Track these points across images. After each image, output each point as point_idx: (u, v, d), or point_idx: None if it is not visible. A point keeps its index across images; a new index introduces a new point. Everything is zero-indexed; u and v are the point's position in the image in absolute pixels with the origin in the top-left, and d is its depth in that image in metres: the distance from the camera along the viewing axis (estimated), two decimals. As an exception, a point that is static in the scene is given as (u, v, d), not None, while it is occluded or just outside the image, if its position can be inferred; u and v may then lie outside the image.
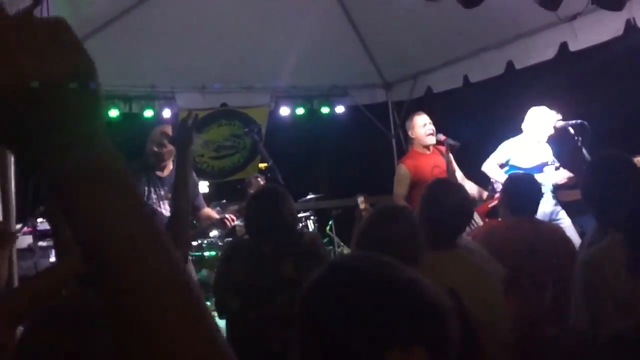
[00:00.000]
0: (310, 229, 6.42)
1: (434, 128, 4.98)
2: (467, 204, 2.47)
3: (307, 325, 1.08)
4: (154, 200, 4.13)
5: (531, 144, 4.97)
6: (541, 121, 4.89)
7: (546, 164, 4.89)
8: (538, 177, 4.23)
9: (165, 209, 4.13)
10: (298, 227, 2.91)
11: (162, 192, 4.14)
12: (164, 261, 0.55)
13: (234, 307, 2.52)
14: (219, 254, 6.77)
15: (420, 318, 1.03)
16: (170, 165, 4.24)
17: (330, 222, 6.66)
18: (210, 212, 4.55)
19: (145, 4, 5.09)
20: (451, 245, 2.37)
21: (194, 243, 6.24)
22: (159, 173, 4.22)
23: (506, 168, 4.99)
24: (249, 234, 2.85)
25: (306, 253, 2.58)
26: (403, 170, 4.84)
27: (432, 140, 4.94)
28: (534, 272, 2.85)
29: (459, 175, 5.09)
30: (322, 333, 1.04)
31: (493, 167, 5.02)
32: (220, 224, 4.28)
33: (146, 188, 4.11)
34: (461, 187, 2.52)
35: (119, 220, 0.55)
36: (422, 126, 4.98)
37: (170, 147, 4.01)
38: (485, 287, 2.16)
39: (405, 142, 6.89)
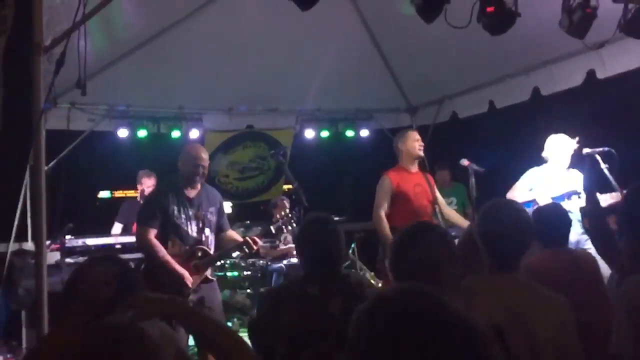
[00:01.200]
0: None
1: (423, 145, 5.05)
2: (527, 225, 2.33)
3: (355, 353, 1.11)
4: (183, 220, 4.17)
5: (556, 172, 4.94)
6: (561, 148, 4.89)
7: (573, 192, 4.83)
8: (565, 205, 4.19)
9: (192, 229, 4.19)
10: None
11: (191, 212, 4.19)
12: None
13: (282, 351, 2.50)
14: (241, 274, 6.81)
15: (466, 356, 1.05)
16: (199, 187, 4.31)
17: (352, 245, 6.65)
18: (234, 234, 4.59)
19: (175, 28, 5.21)
20: (514, 269, 2.29)
21: (217, 263, 6.28)
22: (187, 194, 4.25)
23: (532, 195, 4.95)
24: (302, 260, 2.82)
25: (354, 295, 2.51)
26: (387, 181, 4.81)
27: (421, 152, 4.98)
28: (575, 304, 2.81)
29: (441, 202, 5.09)
30: None
31: (518, 193, 4.98)
32: (243, 246, 4.30)
33: (175, 207, 4.17)
34: (521, 208, 2.39)
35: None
36: (415, 140, 5.01)
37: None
38: (554, 310, 2.13)
39: (427, 165, 6.89)
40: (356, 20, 5.83)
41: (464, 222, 5.01)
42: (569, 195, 4.81)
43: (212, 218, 4.30)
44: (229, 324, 6.12)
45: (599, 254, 2.82)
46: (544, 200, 4.76)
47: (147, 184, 6.12)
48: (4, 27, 2.61)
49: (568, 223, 3.23)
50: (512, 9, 3.69)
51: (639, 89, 5.14)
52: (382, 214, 4.75)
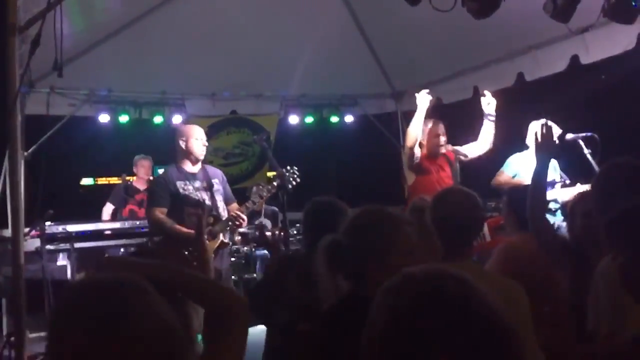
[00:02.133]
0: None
1: (445, 139, 5.03)
2: (479, 211, 2.42)
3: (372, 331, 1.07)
4: (191, 191, 4.34)
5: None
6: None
7: (555, 180, 4.84)
8: (549, 193, 4.19)
9: (203, 198, 4.35)
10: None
11: (198, 184, 4.38)
12: None
13: (282, 319, 2.48)
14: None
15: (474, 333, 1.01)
16: (199, 164, 4.48)
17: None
18: (236, 206, 4.57)
19: (156, 12, 5.12)
20: (466, 256, 2.33)
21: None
22: (189, 170, 4.42)
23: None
24: (306, 245, 2.82)
25: None
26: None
27: (441, 150, 5.00)
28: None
29: (466, 150, 5.17)
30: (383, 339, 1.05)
31: (503, 180, 4.98)
32: (230, 222, 4.32)
33: (180, 182, 4.34)
34: (472, 195, 2.44)
35: None
36: (434, 135, 5.00)
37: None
38: (509, 297, 2.13)
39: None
40: (340, 4, 5.78)
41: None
42: (552, 184, 4.82)
43: (219, 187, 4.48)
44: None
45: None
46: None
47: (147, 165, 6.22)
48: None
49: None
50: (497, -7, 3.67)
51: (622, 74, 5.16)
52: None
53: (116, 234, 5.08)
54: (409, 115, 7.25)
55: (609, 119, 5.24)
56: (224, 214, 4.42)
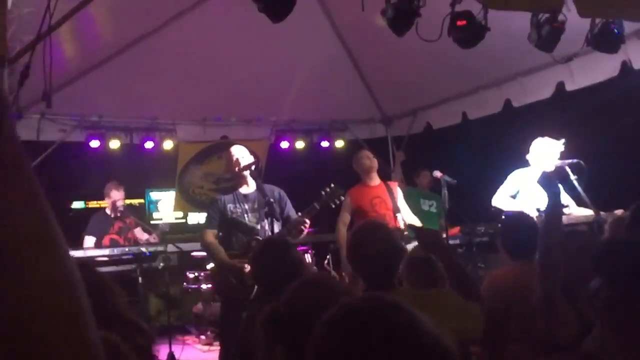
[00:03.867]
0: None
1: (371, 156, 5.43)
2: (392, 247, 2.37)
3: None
4: (239, 213, 4.40)
5: (538, 176, 4.95)
6: (546, 152, 4.87)
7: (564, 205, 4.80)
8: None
9: (250, 220, 4.39)
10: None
11: (247, 206, 4.43)
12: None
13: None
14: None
15: None
16: (251, 184, 4.46)
17: (327, 257, 6.64)
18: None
19: (147, 39, 5.17)
20: (392, 286, 2.34)
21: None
22: (242, 191, 4.48)
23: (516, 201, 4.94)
24: (259, 284, 2.82)
25: None
26: (346, 199, 5.08)
27: (371, 164, 5.35)
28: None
29: (403, 209, 5.30)
30: None
31: (504, 199, 4.99)
32: (292, 230, 4.30)
33: (231, 205, 4.41)
34: (384, 229, 2.45)
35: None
36: (364, 157, 5.39)
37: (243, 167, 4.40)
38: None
39: (404, 175, 6.93)
40: (330, 31, 5.86)
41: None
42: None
43: (273, 208, 4.35)
44: (202, 337, 6.05)
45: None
46: (530, 212, 4.70)
47: (116, 197, 5.94)
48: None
49: (534, 232, 3.18)
50: (482, 23, 3.74)
51: (607, 101, 5.24)
52: (341, 226, 5.28)
53: (104, 261, 5.03)
54: (398, 140, 7.36)
55: (594, 145, 5.30)
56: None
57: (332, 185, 4.36)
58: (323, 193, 4.32)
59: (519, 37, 4.21)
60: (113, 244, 5.74)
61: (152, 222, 7.19)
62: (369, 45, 5.91)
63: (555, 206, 2.68)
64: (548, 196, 2.72)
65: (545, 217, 2.69)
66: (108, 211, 6.02)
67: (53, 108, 3.35)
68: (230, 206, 4.43)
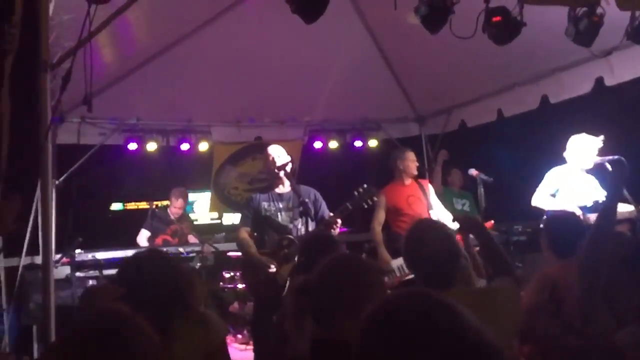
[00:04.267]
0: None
1: (418, 164, 5.54)
2: (450, 247, 2.32)
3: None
4: (273, 212, 4.51)
5: (577, 173, 4.86)
6: (584, 149, 4.79)
7: (597, 202, 4.69)
8: (592, 217, 4.11)
9: (282, 219, 4.50)
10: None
11: (281, 205, 4.53)
12: None
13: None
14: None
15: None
16: (287, 185, 4.57)
17: (362, 256, 6.62)
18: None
19: (182, 43, 5.26)
20: (450, 285, 2.28)
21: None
22: (277, 191, 4.59)
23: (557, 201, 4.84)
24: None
25: None
26: (381, 198, 5.19)
27: (415, 172, 5.45)
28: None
29: (437, 208, 5.33)
30: None
31: (544, 199, 4.90)
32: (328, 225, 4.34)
33: (265, 203, 4.53)
34: (440, 228, 2.40)
35: None
36: (412, 161, 5.42)
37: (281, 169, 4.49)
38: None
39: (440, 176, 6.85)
40: (362, 31, 5.84)
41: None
42: (597, 208, 4.65)
43: (307, 208, 4.43)
44: (239, 336, 6.11)
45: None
46: (571, 209, 4.60)
47: (178, 203, 6.41)
48: (12, 46, 2.66)
49: (579, 231, 3.13)
50: (518, 19, 3.68)
51: (649, 96, 5.10)
52: (376, 225, 5.27)
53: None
54: (433, 139, 7.30)
55: (636, 141, 5.16)
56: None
57: (365, 185, 4.36)
58: (356, 193, 4.32)
59: (556, 32, 4.12)
60: (165, 244, 5.96)
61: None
62: (402, 43, 5.87)
63: (614, 199, 2.69)
64: (610, 189, 2.73)
65: (601, 210, 2.66)
66: (169, 212, 6.30)
67: (92, 112, 3.44)
68: (264, 204, 4.52)
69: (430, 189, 5.48)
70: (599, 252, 2.45)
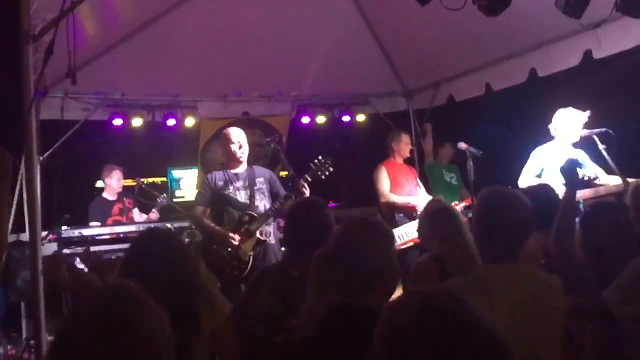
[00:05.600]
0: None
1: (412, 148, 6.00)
2: (529, 213, 2.26)
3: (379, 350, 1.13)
4: (231, 191, 4.61)
5: (563, 149, 4.82)
6: (570, 123, 4.75)
7: (590, 177, 4.66)
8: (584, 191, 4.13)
9: (241, 197, 4.60)
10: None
11: (238, 184, 4.64)
12: None
13: (258, 334, 2.48)
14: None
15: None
16: (243, 164, 4.72)
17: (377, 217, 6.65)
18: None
19: (167, 16, 5.16)
20: (514, 258, 2.23)
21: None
22: (233, 170, 4.69)
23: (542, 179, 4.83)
24: (286, 245, 2.83)
25: None
26: (383, 172, 5.64)
27: (408, 155, 5.91)
28: None
29: (423, 193, 5.75)
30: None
31: (530, 180, 4.88)
32: (291, 196, 4.49)
33: (221, 182, 4.62)
34: (521, 197, 2.33)
35: None
36: (407, 144, 5.84)
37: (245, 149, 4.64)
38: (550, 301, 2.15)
39: (422, 149, 6.86)
40: (350, 4, 5.78)
41: None
42: (586, 182, 4.64)
43: (262, 186, 4.69)
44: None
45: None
46: (556, 187, 4.61)
47: (116, 179, 6.14)
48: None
49: (555, 203, 3.13)
50: (508, -11, 3.64)
51: (636, 68, 5.10)
52: (386, 192, 5.57)
53: (130, 237, 5.11)
54: (420, 113, 7.29)
55: (624, 114, 5.19)
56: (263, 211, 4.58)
57: (320, 157, 4.59)
58: (312, 165, 4.54)
59: (544, 4, 4.10)
60: (117, 225, 5.81)
61: (174, 199, 7.26)
62: (390, 17, 5.82)
63: (571, 198, 2.72)
64: (566, 185, 2.73)
65: (561, 208, 2.68)
66: (106, 195, 6.12)
67: (76, 86, 3.36)
68: (220, 183, 4.62)
69: (415, 174, 5.93)
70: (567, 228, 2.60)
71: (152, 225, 5.29)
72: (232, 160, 4.70)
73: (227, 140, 4.71)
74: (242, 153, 4.67)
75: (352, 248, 1.92)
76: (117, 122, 6.34)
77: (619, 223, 2.64)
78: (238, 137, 4.70)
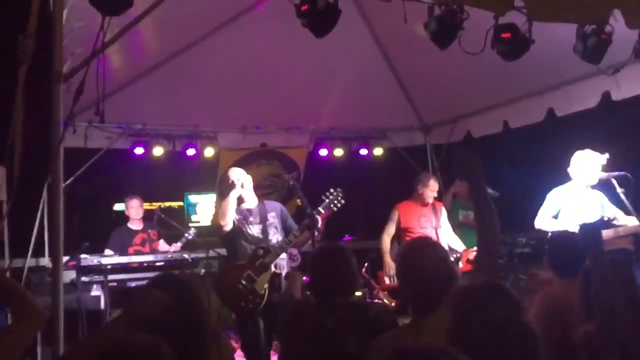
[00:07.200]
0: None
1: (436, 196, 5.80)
2: (444, 267, 2.26)
3: None
4: (245, 225, 4.68)
5: (579, 191, 4.81)
6: (588, 165, 4.73)
7: (608, 218, 4.64)
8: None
9: (255, 232, 4.68)
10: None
11: (251, 219, 4.73)
12: None
13: None
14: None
15: None
16: (253, 200, 4.82)
17: (365, 264, 6.63)
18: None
19: (190, 49, 5.28)
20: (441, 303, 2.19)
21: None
22: (245, 207, 4.78)
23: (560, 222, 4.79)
24: (313, 293, 2.82)
25: (371, 329, 2.42)
26: (395, 213, 5.66)
27: (430, 201, 5.71)
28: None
29: (446, 229, 5.71)
30: None
31: (547, 221, 4.84)
32: (306, 228, 4.53)
33: (237, 217, 4.68)
34: (436, 249, 2.35)
35: None
36: (433, 191, 5.69)
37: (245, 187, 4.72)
38: None
39: (442, 184, 6.85)
40: (370, 40, 5.86)
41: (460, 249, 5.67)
42: (605, 224, 4.55)
43: (274, 221, 4.76)
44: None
45: None
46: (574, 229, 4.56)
47: (135, 208, 6.19)
48: (26, 57, 2.68)
49: (580, 251, 3.12)
50: (527, 36, 3.70)
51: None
52: (386, 237, 5.63)
53: (147, 266, 5.16)
54: (438, 148, 7.31)
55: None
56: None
57: (332, 189, 4.65)
58: (324, 197, 4.60)
59: (564, 45, 4.13)
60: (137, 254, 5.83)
61: (190, 224, 7.31)
62: (408, 53, 5.87)
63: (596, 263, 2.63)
64: (589, 256, 2.67)
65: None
66: (130, 225, 6.17)
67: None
68: (236, 217, 4.68)
69: (443, 212, 5.77)
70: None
71: (169, 255, 5.34)
72: (240, 198, 4.76)
73: (227, 181, 4.78)
74: (246, 192, 4.75)
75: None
76: (139, 151, 6.45)
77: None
78: (237, 175, 4.77)
